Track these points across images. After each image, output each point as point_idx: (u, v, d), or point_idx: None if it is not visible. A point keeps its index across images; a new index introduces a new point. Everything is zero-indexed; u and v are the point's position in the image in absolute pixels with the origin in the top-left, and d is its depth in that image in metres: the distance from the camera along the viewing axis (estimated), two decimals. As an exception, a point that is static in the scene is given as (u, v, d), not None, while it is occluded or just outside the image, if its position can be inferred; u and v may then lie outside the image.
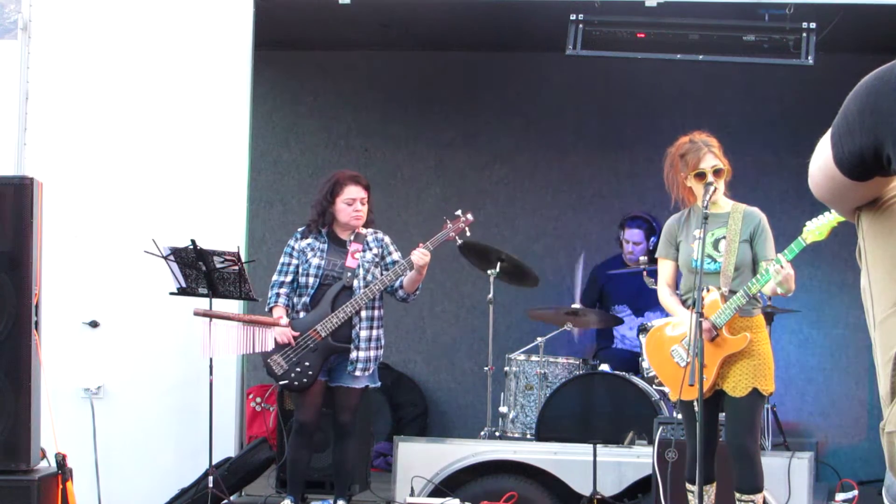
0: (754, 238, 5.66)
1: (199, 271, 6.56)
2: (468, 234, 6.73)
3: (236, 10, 7.24)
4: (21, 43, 7.24)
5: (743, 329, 5.60)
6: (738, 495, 5.51)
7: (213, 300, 6.60)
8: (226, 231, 7.01)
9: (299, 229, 6.69)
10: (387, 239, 6.69)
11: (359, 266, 6.52)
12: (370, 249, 6.59)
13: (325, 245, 6.58)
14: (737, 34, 7.01)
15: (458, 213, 6.76)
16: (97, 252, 7.16)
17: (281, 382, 6.51)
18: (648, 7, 6.99)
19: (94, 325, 7.14)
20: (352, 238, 6.60)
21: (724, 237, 5.63)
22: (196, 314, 6.51)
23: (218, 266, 6.52)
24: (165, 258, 6.54)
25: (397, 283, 6.58)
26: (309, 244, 6.59)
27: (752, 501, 5.48)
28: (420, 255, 6.46)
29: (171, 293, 6.69)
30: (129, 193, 7.21)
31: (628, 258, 8.10)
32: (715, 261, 5.62)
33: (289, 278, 6.57)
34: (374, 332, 6.53)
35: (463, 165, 9.60)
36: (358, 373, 6.47)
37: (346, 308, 6.43)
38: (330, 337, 6.43)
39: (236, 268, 6.52)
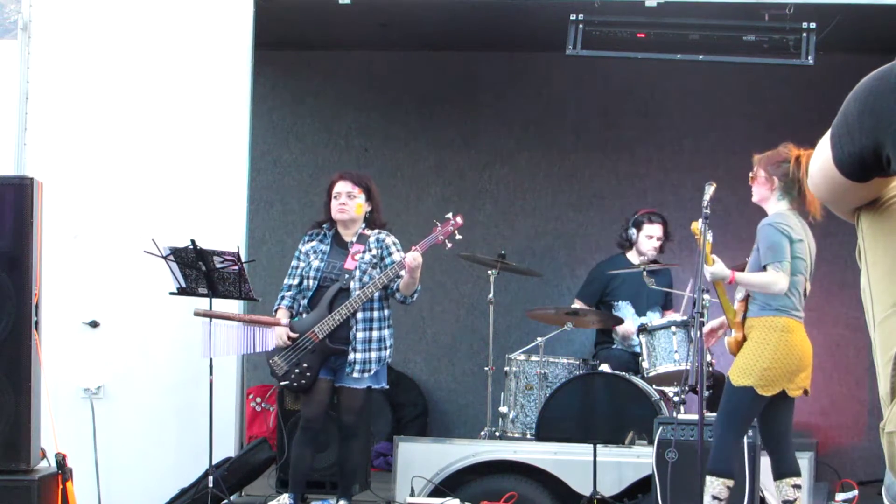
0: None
1: (199, 271, 6.55)
2: (458, 236, 6.60)
3: (236, 10, 7.24)
4: (21, 43, 7.23)
5: (747, 329, 5.73)
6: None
7: (213, 300, 6.60)
8: (226, 231, 7.01)
9: (308, 231, 6.73)
10: (388, 239, 6.60)
11: (356, 268, 6.50)
12: (370, 251, 6.55)
13: (328, 247, 6.58)
14: (737, 34, 7.01)
15: (449, 215, 6.61)
16: (97, 252, 7.16)
17: (282, 383, 6.54)
18: (648, 7, 6.99)
19: (94, 325, 7.14)
20: (354, 239, 6.58)
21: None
22: (196, 314, 6.52)
23: (218, 266, 6.51)
24: (165, 258, 6.54)
25: (394, 286, 6.50)
26: (313, 247, 6.61)
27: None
28: (412, 258, 6.33)
29: (171, 293, 6.69)
30: (129, 193, 7.21)
31: (650, 255, 7.79)
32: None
33: (296, 281, 6.60)
34: (376, 334, 6.48)
35: (463, 165, 9.60)
36: (356, 374, 6.45)
37: (342, 310, 6.40)
38: (327, 339, 6.43)
39: (236, 268, 6.52)
